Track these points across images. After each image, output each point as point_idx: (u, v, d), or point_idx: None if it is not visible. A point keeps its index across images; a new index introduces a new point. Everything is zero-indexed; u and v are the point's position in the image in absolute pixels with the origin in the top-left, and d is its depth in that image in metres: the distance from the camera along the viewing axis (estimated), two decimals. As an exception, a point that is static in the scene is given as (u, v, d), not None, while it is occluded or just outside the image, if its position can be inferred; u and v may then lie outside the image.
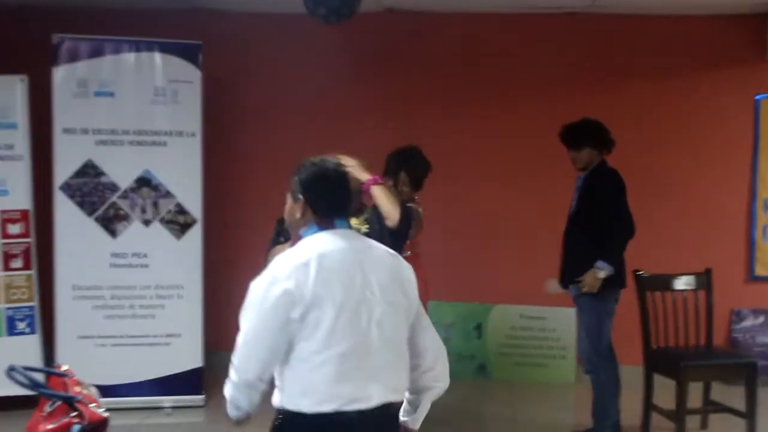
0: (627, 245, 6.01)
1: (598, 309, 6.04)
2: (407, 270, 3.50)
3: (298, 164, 3.63)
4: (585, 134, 6.14)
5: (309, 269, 3.23)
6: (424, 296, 5.72)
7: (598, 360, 6.08)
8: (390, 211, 4.58)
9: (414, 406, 3.53)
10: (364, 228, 4.61)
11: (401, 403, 3.44)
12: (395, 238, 4.66)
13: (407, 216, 4.73)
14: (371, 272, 3.34)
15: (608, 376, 6.08)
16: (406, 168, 5.84)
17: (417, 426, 3.57)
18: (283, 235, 4.47)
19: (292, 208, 3.52)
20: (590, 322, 6.09)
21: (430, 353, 3.49)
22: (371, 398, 3.25)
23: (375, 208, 4.67)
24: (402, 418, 3.51)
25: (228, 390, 3.32)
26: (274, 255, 4.32)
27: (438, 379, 3.51)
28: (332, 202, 3.48)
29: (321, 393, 3.20)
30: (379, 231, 4.61)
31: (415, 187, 5.88)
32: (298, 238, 3.46)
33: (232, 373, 3.30)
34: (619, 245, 5.97)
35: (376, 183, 4.57)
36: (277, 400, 3.31)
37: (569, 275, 6.15)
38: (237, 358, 3.30)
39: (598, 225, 5.97)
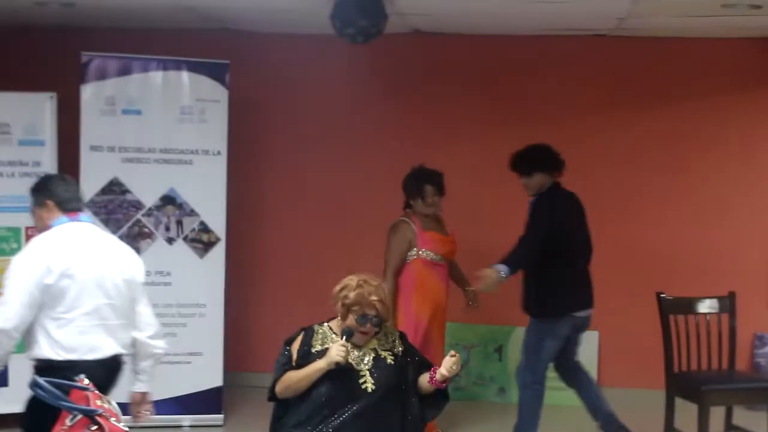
0: (526, 263, 6.06)
1: (540, 329, 6.14)
2: (134, 254, 4.66)
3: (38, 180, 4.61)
4: (534, 160, 6.22)
5: (62, 248, 4.29)
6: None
7: (531, 379, 6.18)
8: None
9: (149, 372, 4.72)
10: (390, 359, 4.51)
11: (124, 354, 4.53)
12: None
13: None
14: (111, 253, 4.46)
15: (535, 399, 6.18)
16: (427, 181, 6.39)
17: (152, 389, 4.76)
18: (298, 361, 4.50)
19: (41, 213, 4.47)
20: (529, 340, 6.23)
21: (152, 325, 4.69)
22: (106, 349, 4.37)
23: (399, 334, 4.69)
24: (142, 389, 4.73)
25: None
26: (284, 383, 4.45)
27: (159, 346, 4.72)
28: (74, 198, 4.50)
29: (68, 344, 4.25)
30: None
31: (441, 193, 6.42)
32: (48, 228, 4.41)
33: None
34: (518, 257, 5.99)
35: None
36: (33, 352, 4.29)
37: (525, 302, 6.28)
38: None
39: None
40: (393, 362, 4.49)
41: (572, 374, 6.46)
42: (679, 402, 6.17)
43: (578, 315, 6.20)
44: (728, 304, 6.39)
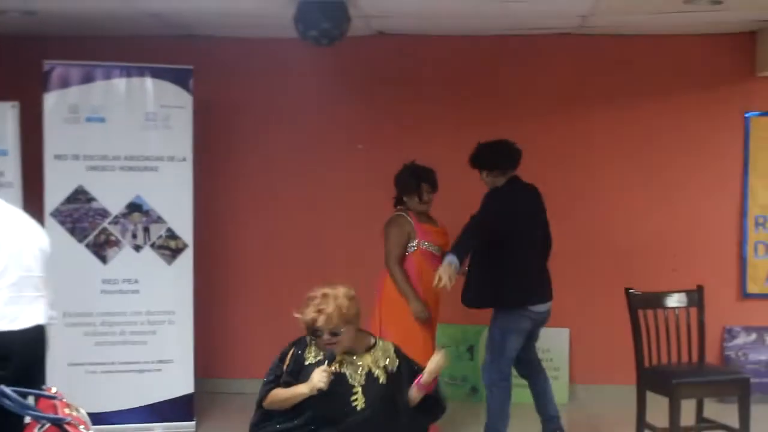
0: (468, 248, 6.08)
1: (503, 326, 6.19)
2: (40, 226, 4.81)
3: None
4: (477, 160, 6.37)
5: None
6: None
7: (497, 377, 6.22)
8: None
9: None
10: (382, 377, 4.47)
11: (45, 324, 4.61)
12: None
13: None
14: (25, 226, 4.62)
15: (503, 396, 6.23)
16: (423, 179, 6.47)
17: None
18: (286, 378, 4.48)
19: None
20: (492, 337, 6.27)
21: (51, 292, 4.75)
22: (30, 319, 4.46)
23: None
24: None
25: None
26: (269, 401, 4.46)
27: (53, 316, 4.79)
28: None
29: None
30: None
31: (435, 189, 6.52)
32: None
33: None
34: (459, 245, 6.03)
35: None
36: None
37: (472, 297, 6.31)
38: None
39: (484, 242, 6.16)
40: (385, 381, 4.46)
41: (529, 367, 6.52)
42: (650, 396, 6.19)
43: (535, 309, 6.22)
44: (696, 298, 6.41)
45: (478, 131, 7.43)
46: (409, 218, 6.46)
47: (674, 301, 6.40)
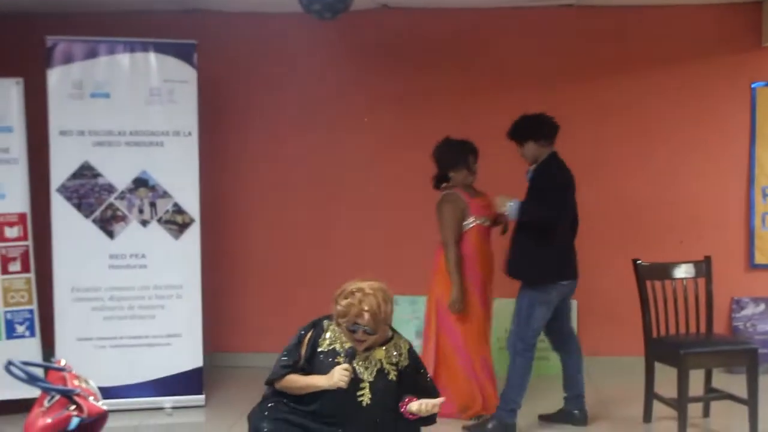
0: (540, 221, 6.01)
1: (531, 296, 6.13)
2: None
3: None
4: (523, 130, 6.26)
5: None
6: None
7: (521, 347, 6.17)
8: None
9: None
10: (393, 374, 4.44)
11: None
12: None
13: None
14: None
15: (525, 366, 6.17)
16: (469, 151, 6.57)
17: None
18: (303, 365, 4.45)
19: None
20: (520, 307, 6.20)
21: None
22: None
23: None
24: None
25: None
26: (284, 385, 4.43)
27: None
28: None
29: None
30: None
31: (477, 158, 6.61)
32: None
33: None
34: (533, 208, 6.00)
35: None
36: None
37: (512, 266, 6.22)
38: None
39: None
40: (395, 378, 4.43)
41: (563, 340, 6.46)
42: (658, 367, 6.20)
43: (565, 283, 6.19)
44: (704, 268, 6.41)
45: (481, 103, 7.44)
46: (460, 195, 6.49)
47: (682, 271, 6.40)
